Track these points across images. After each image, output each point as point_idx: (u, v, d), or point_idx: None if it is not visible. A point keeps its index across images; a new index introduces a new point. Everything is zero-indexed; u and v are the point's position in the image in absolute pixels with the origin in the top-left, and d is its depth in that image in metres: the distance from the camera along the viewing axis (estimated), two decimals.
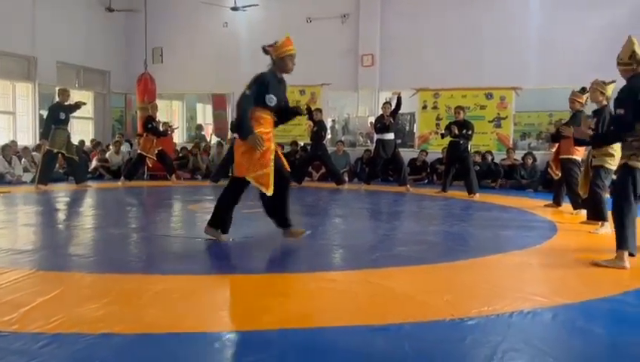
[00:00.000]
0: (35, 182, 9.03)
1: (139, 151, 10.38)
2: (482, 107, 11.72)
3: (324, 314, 2.78)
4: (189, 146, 12.94)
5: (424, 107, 12.25)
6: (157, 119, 10.50)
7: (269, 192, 4.45)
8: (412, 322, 2.64)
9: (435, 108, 12.15)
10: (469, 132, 8.86)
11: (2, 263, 3.70)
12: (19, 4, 11.29)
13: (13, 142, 10.80)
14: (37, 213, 6.63)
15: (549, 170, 7.70)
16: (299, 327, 2.52)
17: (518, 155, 11.18)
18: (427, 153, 11.84)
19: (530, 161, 10.72)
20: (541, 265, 4.12)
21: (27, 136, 11.73)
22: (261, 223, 5.93)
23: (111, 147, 12.19)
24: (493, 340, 2.41)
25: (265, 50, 4.82)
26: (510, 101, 11.62)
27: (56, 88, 10.31)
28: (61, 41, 12.22)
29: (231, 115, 13.38)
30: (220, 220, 4.65)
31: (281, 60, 4.79)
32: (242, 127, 4.37)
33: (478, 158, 10.87)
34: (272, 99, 4.62)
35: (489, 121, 11.72)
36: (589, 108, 6.17)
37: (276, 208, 4.68)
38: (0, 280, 3.25)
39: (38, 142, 10.39)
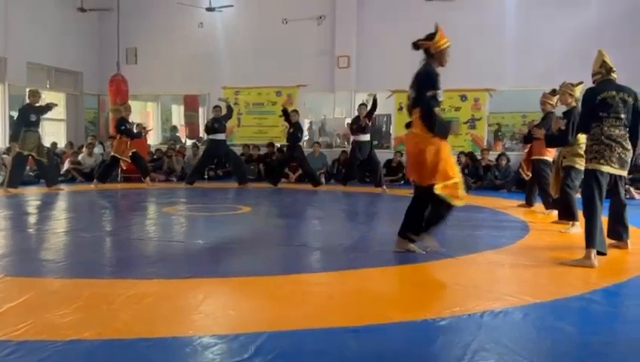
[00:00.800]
0: (5, 186, 8.82)
1: (112, 154, 10.23)
2: (457, 108, 11.85)
3: (298, 317, 2.78)
4: (164, 148, 12.81)
5: (400, 108, 12.31)
6: (130, 120, 10.38)
7: (460, 203, 4.17)
8: (385, 323, 2.65)
9: None
10: None
11: None
12: None
13: None
14: (6, 217, 6.48)
15: (520, 170, 7.83)
16: (273, 330, 2.51)
17: (492, 156, 11.33)
18: (402, 154, 11.92)
19: (504, 162, 10.86)
20: (513, 264, 4.18)
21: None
22: (236, 226, 5.92)
23: (84, 149, 12.00)
24: (464, 340, 2.43)
25: (417, 46, 4.68)
26: (484, 102, 11.77)
27: (27, 89, 10.09)
28: (32, 41, 11.97)
29: (205, 116, 13.29)
30: (413, 229, 4.31)
31: (440, 54, 4.67)
32: (438, 125, 4.26)
33: (463, 159, 10.98)
34: (441, 95, 4.49)
35: (464, 123, 11.85)
36: (561, 109, 6.28)
37: (418, 215, 4.32)
38: None
39: (7, 144, 10.17)
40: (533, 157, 7.01)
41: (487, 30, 11.59)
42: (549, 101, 6.77)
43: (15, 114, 9.96)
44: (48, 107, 9.23)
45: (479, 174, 10.95)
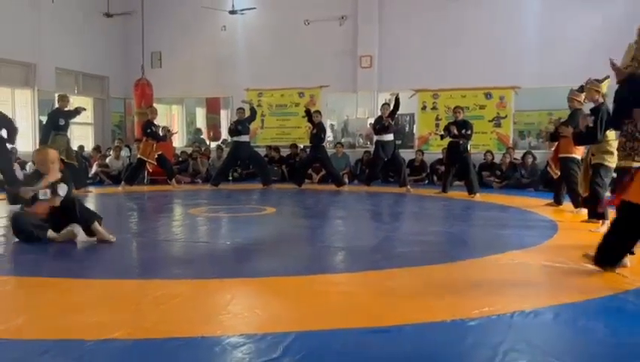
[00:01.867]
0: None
1: (139, 156, 10.38)
2: (482, 107, 11.73)
3: (325, 317, 2.77)
4: (189, 150, 12.95)
5: (423, 108, 12.25)
6: (156, 123, 10.51)
7: None
8: (413, 323, 2.63)
9: (434, 108, 12.15)
10: (469, 132, 8.86)
11: (1, 271, 3.70)
12: (19, 11, 11.30)
13: (14, 149, 10.78)
14: None
15: (548, 168, 7.71)
16: (300, 330, 2.51)
17: (517, 154, 11.18)
18: (423, 153, 11.83)
19: (530, 160, 10.70)
20: (542, 264, 4.10)
21: (27, 142, 11.72)
22: (261, 227, 5.94)
23: (111, 152, 12.19)
24: (494, 341, 2.40)
25: None
26: (509, 100, 11.62)
27: (56, 94, 10.31)
28: (60, 47, 12.23)
29: (228, 118, 13.40)
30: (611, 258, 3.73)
31: None
32: None
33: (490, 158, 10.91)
34: None
35: (489, 121, 11.72)
36: (589, 105, 6.17)
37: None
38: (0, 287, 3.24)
39: (37, 148, 10.38)
40: (561, 155, 6.90)
41: (512, 27, 11.46)
42: (576, 98, 6.65)
43: (44, 118, 10.17)
44: (77, 111, 9.40)
45: (502, 173, 10.82)
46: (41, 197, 4.64)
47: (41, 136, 9.63)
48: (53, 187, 4.65)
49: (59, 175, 4.85)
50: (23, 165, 10.47)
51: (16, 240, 4.54)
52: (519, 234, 5.30)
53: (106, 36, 13.67)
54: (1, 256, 4.23)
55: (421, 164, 11.70)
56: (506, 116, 11.70)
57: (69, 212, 4.66)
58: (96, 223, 4.68)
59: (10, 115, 11.44)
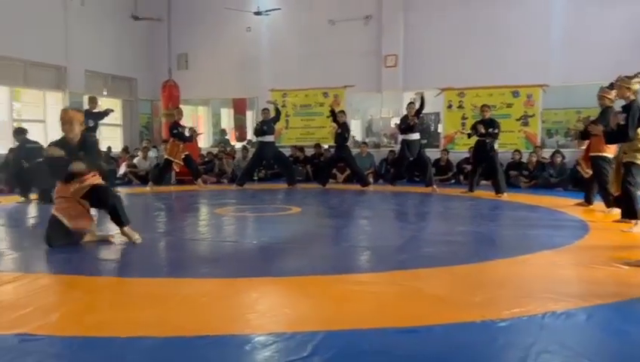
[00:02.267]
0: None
1: (166, 157, 10.51)
2: (509, 105, 11.56)
3: (353, 316, 2.77)
4: (215, 151, 13.07)
5: (449, 106, 12.13)
6: (182, 124, 10.63)
7: None
8: (442, 324, 2.61)
9: (460, 107, 12.02)
10: (496, 130, 8.74)
11: (34, 268, 3.79)
12: (50, 16, 11.56)
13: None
14: None
15: (578, 168, 7.57)
16: (328, 329, 2.51)
17: (545, 153, 11.00)
18: (449, 152, 11.72)
19: (559, 160, 10.52)
20: (573, 264, 4.04)
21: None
22: (287, 227, 5.96)
23: (139, 153, 12.38)
24: (526, 342, 2.37)
25: None
26: (537, 99, 11.44)
27: (85, 96, 10.52)
28: (89, 50, 12.47)
29: (253, 119, 13.49)
30: None
31: None
32: None
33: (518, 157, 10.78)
34: None
35: (516, 120, 11.56)
36: (620, 103, 6.04)
37: None
38: (32, 286, 3.32)
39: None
40: (592, 154, 6.77)
41: (539, 24, 11.28)
42: (607, 95, 6.51)
43: None
44: (105, 113, 9.57)
45: (530, 172, 10.66)
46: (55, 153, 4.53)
47: None
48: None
49: (79, 137, 4.72)
50: None
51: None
52: (549, 234, 5.21)
53: (133, 39, 13.88)
54: (36, 254, 4.33)
55: (447, 164, 11.60)
56: (534, 115, 11.51)
57: (102, 205, 4.77)
58: (125, 228, 4.75)
59: (42, 117, 11.75)
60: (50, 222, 4.60)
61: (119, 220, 4.74)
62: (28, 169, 7.98)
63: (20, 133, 8.34)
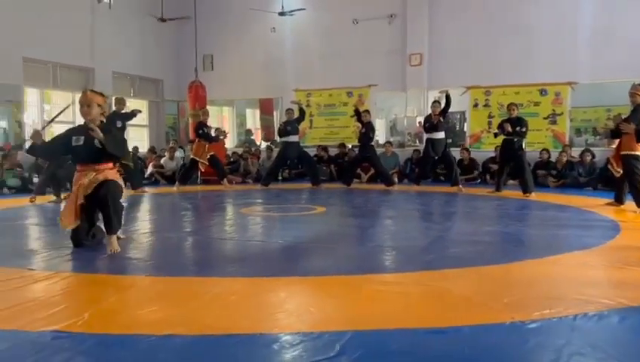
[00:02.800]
0: None
1: (192, 157, 10.63)
2: (536, 103, 11.40)
3: (380, 316, 2.76)
4: (240, 151, 13.17)
5: (475, 105, 12.01)
6: (209, 125, 10.73)
7: None
8: (471, 325, 2.58)
9: (486, 106, 11.89)
10: (523, 129, 8.62)
11: (67, 267, 3.86)
12: (77, 19, 11.79)
13: None
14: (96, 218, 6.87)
15: (609, 167, 7.42)
16: (356, 329, 2.51)
17: (574, 152, 10.81)
18: (470, 151, 11.57)
19: (588, 158, 10.33)
20: (604, 265, 3.96)
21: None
22: (312, 226, 5.98)
23: (165, 153, 12.53)
24: (557, 344, 2.33)
25: None
26: (566, 97, 11.24)
27: (113, 97, 10.68)
28: (116, 52, 12.68)
29: (279, 119, 13.54)
30: None
31: None
32: None
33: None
34: None
35: (544, 118, 11.38)
36: None
37: None
38: (65, 284, 3.39)
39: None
40: (623, 153, 6.63)
41: (567, 20, 11.10)
42: (638, 93, 6.38)
43: None
44: (133, 113, 9.71)
45: (559, 171, 10.48)
46: (74, 143, 4.42)
47: None
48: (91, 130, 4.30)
49: (98, 120, 4.50)
50: None
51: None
52: (579, 235, 5.12)
53: (160, 41, 14.08)
54: (67, 253, 4.41)
55: (470, 163, 11.45)
56: (562, 113, 11.33)
57: (100, 204, 4.40)
58: (112, 236, 4.40)
59: (71, 118, 11.97)
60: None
61: (110, 225, 4.38)
62: (63, 169, 8.12)
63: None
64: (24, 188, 9.48)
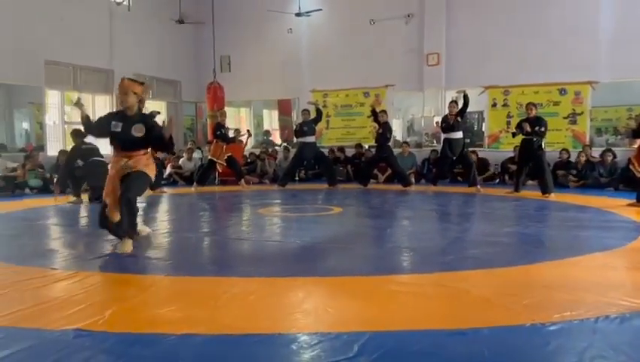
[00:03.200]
0: None
1: (209, 158, 10.69)
2: (556, 103, 11.26)
3: (398, 317, 2.76)
4: (257, 151, 13.22)
5: (494, 105, 11.91)
6: (226, 126, 10.78)
7: None
8: (491, 326, 2.57)
9: (505, 105, 11.78)
10: (542, 129, 8.52)
11: (87, 267, 3.92)
12: (97, 21, 11.94)
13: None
14: None
15: (630, 167, 7.31)
16: (375, 330, 2.51)
17: (594, 152, 10.67)
18: (477, 153, 11.40)
19: (609, 158, 10.18)
20: (626, 267, 3.91)
21: (106, 145, 12.33)
22: (329, 227, 5.98)
23: (184, 154, 12.63)
24: (579, 346, 2.31)
25: None
26: (586, 96, 11.09)
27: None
28: (136, 54, 12.81)
29: (296, 120, 13.57)
30: None
31: None
32: None
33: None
34: None
35: (563, 118, 11.24)
36: None
37: None
38: (86, 283, 3.43)
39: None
40: None
41: (587, 19, 10.94)
42: None
43: None
44: (152, 115, 9.76)
45: (579, 172, 10.34)
46: (112, 128, 4.52)
47: None
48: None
49: (135, 108, 4.61)
50: None
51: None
52: (600, 236, 5.05)
53: (177, 42, 14.19)
54: (88, 253, 4.48)
55: (481, 161, 11.22)
56: (582, 112, 11.17)
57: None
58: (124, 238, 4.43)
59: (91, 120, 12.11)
60: (102, 205, 4.58)
61: (121, 227, 4.40)
62: (81, 168, 8.23)
63: (79, 135, 8.50)
64: (46, 189, 9.62)
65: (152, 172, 4.68)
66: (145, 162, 4.61)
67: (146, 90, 4.80)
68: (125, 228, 4.41)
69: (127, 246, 4.39)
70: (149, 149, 4.75)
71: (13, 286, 3.35)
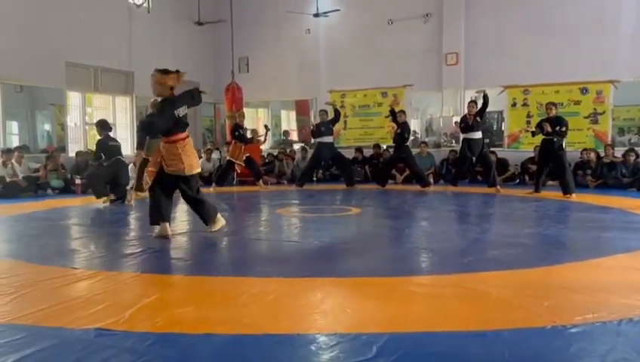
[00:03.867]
0: (134, 190, 9.56)
1: (228, 158, 10.75)
2: (577, 102, 11.11)
3: (417, 319, 2.74)
4: (275, 152, 13.26)
5: (513, 104, 11.79)
6: (244, 127, 10.84)
7: None
8: (511, 328, 2.54)
9: (525, 105, 11.66)
10: (563, 129, 8.41)
11: (108, 266, 3.96)
12: (116, 24, 12.09)
13: None
14: (135, 218, 7.04)
15: None
16: (393, 331, 2.50)
17: (617, 152, 10.50)
18: (497, 153, 11.28)
19: (632, 158, 10.01)
20: None
21: (126, 146, 12.47)
22: (347, 227, 5.97)
23: (202, 155, 12.71)
24: (601, 349, 2.27)
25: None
26: (608, 95, 10.92)
27: (151, 100, 10.90)
28: (155, 55, 12.92)
29: (313, 120, 13.58)
30: None
31: None
32: None
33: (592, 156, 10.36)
34: None
35: (584, 117, 11.08)
36: None
37: None
38: (107, 283, 3.48)
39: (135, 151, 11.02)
40: None
41: (608, 16, 10.79)
42: None
43: None
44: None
45: (603, 172, 10.18)
46: (180, 115, 4.91)
47: (137, 140, 10.16)
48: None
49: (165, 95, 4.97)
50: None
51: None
52: (623, 237, 4.97)
53: (196, 44, 14.31)
54: (110, 253, 4.53)
55: (500, 161, 11.10)
56: (604, 112, 11.01)
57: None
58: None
59: (111, 120, 12.27)
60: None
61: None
62: (105, 167, 8.23)
63: (104, 126, 8.42)
64: (67, 189, 9.76)
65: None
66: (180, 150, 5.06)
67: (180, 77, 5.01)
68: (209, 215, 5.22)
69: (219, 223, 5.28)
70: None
71: (36, 285, 3.41)
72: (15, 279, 3.57)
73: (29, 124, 11.01)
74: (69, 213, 7.48)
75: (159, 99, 5.03)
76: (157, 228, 5.04)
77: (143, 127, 5.95)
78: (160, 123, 4.85)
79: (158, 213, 5.00)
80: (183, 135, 5.00)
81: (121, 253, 4.47)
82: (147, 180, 5.19)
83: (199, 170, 5.23)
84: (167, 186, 5.03)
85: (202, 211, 5.18)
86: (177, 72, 5.00)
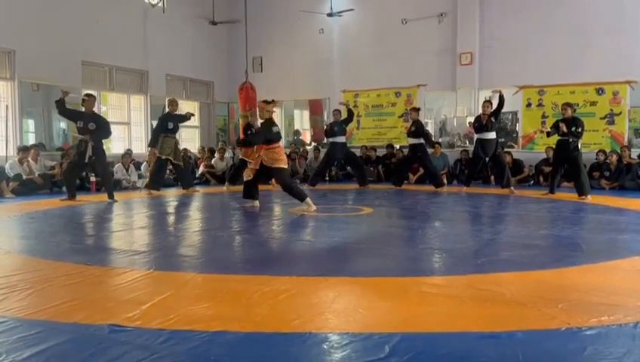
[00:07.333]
0: (147, 188, 9.65)
1: (241, 157, 10.78)
2: (592, 103, 10.99)
3: (430, 319, 2.73)
4: (288, 151, 13.25)
5: (528, 105, 11.69)
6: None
7: None
8: (525, 330, 2.52)
9: (540, 105, 11.55)
10: (579, 129, 8.32)
11: (122, 263, 4.00)
12: (132, 24, 12.20)
13: (129, 151, 11.60)
14: (149, 216, 7.09)
15: None
16: (406, 331, 2.49)
17: (634, 153, 10.37)
18: (512, 154, 11.15)
19: None
20: None
21: (140, 144, 12.58)
22: (360, 227, 5.96)
23: (216, 154, 12.77)
24: (617, 352, 2.24)
25: None
26: (624, 96, 10.79)
27: (166, 99, 10.99)
28: (169, 55, 13.04)
29: (327, 119, 13.57)
30: None
31: None
32: None
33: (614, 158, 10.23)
34: None
35: (600, 118, 10.96)
36: None
37: None
38: (121, 280, 3.51)
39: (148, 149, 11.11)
40: None
41: (624, 16, 10.65)
42: None
43: (156, 122, 10.85)
44: (186, 117, 9.97)
45: (620, 174, 10.05)
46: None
47: (151, 137, 10.24)
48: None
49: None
50: (137, 166, 11.25)
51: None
52: (639, 239, 4.90)
53: (211, 43, 14.38)
54: (123, 251, 4.57)
55: (515, 162, 11.01)
56: (621, 113, 10.87)
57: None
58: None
59: (126, 120, 12.37)
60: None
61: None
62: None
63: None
64: (81, 187, 9.85)
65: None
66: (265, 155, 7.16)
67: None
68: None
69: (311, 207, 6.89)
70: None
71: (51, 281, 3.45)
72: (31, 275, 3.61)
73: (45, 122, 11.12)
74: (84, 210, 7.55)
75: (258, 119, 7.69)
76: (249, 203, 7.53)
77: (248, 140, 7.95)
78: (260, 137, 7.02)
79: (250, 194, 7.51)
80: (277, 144, 7.04)
81: (135, 250, 4.50)
82: (249, 173, 7.80)
83: (286, 166, 7.22)
84: (264, 176, 7.42)
85: (293, 194, 7.12)
86: (273, 101, 7.34)
